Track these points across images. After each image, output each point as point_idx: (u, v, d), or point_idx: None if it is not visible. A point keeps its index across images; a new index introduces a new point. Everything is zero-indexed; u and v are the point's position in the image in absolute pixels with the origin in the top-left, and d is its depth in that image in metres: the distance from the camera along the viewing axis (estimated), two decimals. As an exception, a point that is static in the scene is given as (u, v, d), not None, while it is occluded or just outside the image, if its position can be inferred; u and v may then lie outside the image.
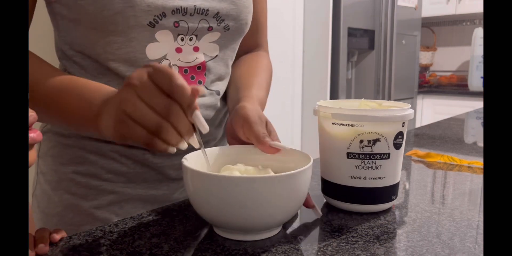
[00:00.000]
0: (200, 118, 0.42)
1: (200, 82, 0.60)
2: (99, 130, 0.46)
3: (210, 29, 0.57)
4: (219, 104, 0.64)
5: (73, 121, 0.50)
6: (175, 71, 0.40)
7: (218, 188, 0.41)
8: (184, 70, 0.58)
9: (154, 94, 0.39)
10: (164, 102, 0.39)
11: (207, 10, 0.56)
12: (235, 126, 0.53)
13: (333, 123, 0.50)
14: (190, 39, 0.57)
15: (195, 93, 0.40)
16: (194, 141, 0.44)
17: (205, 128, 0.42)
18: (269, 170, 0.48)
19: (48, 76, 0.51)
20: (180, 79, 0.39)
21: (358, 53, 2.59)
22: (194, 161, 0.47)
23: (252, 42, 0.73)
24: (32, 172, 0.63)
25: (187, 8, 0.54)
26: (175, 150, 0.42)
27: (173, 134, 0.40)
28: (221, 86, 0.64)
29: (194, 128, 0.43)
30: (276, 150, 0.49)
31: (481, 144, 0.95)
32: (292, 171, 0.41)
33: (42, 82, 0.50)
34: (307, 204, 0.50)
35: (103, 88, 0.49)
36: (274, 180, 0.41)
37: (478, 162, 0.75)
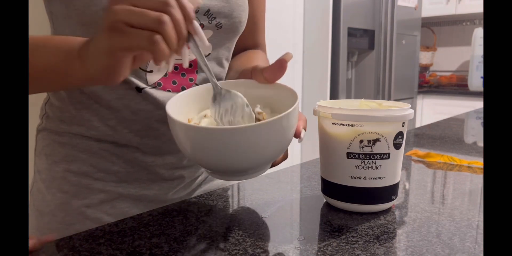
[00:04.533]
0: (201, 31, 0.40)
1: (191, 80, 0.59)
2: (85, 63, 0.42)
3: (201, 26, 0.56)
4: None
5: (52, 67, 0.46)
6: None
7: (210, 140, 0.42)
8: (174, 67, 0.58)
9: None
10: (160, 1, 0.37)
11: (197, 7, 0.55)
12: (244, 77, 0.52)
13: (333, 123, 0.50)
14: None
15: (194, 4, 0.39)
16: (185, 57, 0.42)
17: (205, 41, 0.41)
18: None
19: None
20: None
21: (358, 53, 2.60)
22: (177, 109, 0.47)
23: (249, 42, 0.72)
24: (30, 171, 0.63)
25: None
26: (171, 65, 0.40)
27: (173, 31, 0.37)
28: None
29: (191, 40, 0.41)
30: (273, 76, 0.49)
31: (481, 144, 0.95)
32: (280, 115, 0.42)
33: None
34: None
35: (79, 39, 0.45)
36: (264, 126, 0.41)
37: (478, 162, 0.75)
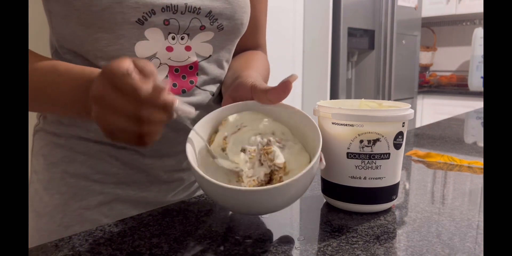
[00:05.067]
0: (182, 108, 0.42)
1: (191, 82, 0.59)
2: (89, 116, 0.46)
3: (202, 28, 0.56)
4: (212, 104, 0.62)
5: (60, 110, 0.52)
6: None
7: (228, 197, 0.43)
8: (175, 69, 0.57)
9: (122, 106, 0.39)
10: (133, 109, 0.38)
11: (199, 8, 0.55)
12: (241, 92, 0.51)
13: (333, 123, 0.50)
14: (182, 38, 0.56)
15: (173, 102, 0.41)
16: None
17: (191, 112, 0.43)
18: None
19: (32, 61, 0.51)
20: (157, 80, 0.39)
21: (358, 53, 2.60)
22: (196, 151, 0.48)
23: (250, 43, 0.72)
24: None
25: (177, 5, 0.53)
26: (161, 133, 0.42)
27: (155, 130, 0.41)
28: (215, 88, 0.63)
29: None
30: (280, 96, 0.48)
31: (481, 144, 0.95)
32: (309, 165, 0.42)
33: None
34: None
35: (85, 74, 0.48)
36: (283, 188, 0.41)
37: (478, 162, 0.75)
